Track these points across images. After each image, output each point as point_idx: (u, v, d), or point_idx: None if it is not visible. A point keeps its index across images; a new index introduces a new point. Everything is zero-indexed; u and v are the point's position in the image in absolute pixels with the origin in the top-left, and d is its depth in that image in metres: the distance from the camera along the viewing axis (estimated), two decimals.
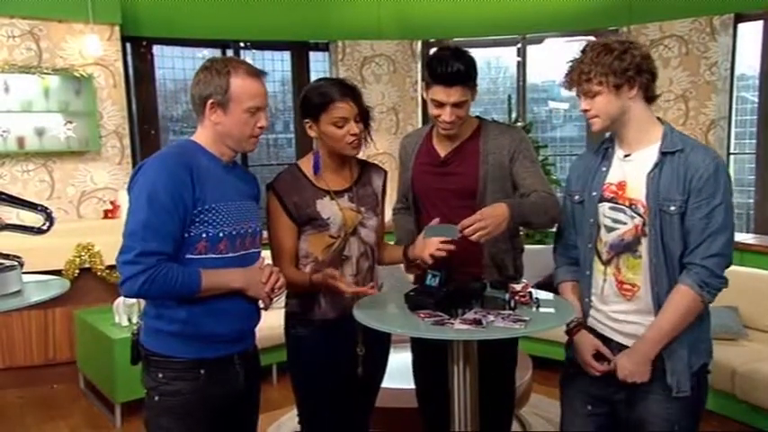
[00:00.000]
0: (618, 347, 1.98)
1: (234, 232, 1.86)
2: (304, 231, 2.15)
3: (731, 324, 3.63)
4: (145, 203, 1.73)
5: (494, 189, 2.28)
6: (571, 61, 1.94)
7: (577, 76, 1.88)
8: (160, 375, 1.82)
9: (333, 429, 2.20)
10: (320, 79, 2.22)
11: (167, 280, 1.73)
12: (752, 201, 5.15)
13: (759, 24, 4.87)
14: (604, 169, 2.00)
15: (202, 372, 1.82)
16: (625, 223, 1.93)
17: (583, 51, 1.91)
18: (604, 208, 1.97)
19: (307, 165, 2.20)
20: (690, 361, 1.91)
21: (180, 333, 1.82)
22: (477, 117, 2.42)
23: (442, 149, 2.36)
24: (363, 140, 2.15)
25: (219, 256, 1.83)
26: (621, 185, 1.95)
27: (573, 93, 1.97)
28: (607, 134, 2.05)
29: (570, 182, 2.13)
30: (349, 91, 2.10)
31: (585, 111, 1.92)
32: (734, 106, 5.04)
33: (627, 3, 5.21)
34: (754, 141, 5.09)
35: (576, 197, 2.07)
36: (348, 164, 2.21)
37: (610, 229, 1.96)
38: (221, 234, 1.83)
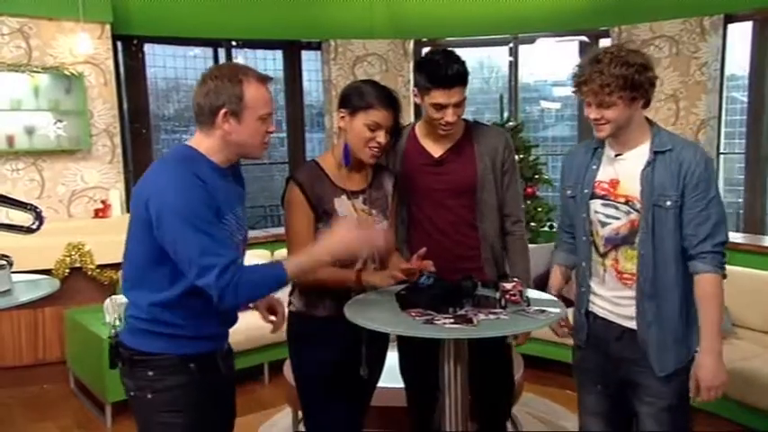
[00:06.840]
0: (619, 330, 2.06)
1: (237, 240, 1.87)
2: (317, 228, 2.15)
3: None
4: (185, 227, 1.69)
5: (489, 187, 2.36)
6: (581, 66, 1.95)
7: (598, 87, 1.89)
8: (150, 373, 1.81)
9: (334, 428, 2.21)
10: (373, 81, 2.22)
11: (250, 280, 1.75)
12: (741, 200, 5.17)
13: (748, 25, 4.90)
14: (594, 167, 2.09)
15: (192, 365, 1.84)
16: (618, 218, 2.02)
17: (597, 61, 1.91)
18: (596, 204, 2.07)
19: (326, 161, 2.22)
20: (689, 342, 2.02)
21: (170, 334, 1.82)
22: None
23: (435, 149, 2.37)
24: (384, 154, 2.19)
25: None
26: (614, 183, 2.04)
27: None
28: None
29: (564, 176, 2.22)
30: (396, 104, 2.14)
31: (596, 119, 1.96)
32: (724, 106, 5.06)
33: (618, 3, 5.23)
34: (743, 141, 5.12)
35: (569, 192, 2.17)
36: (365, 166, 2.23)
37: (604, 224, 2.05)
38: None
